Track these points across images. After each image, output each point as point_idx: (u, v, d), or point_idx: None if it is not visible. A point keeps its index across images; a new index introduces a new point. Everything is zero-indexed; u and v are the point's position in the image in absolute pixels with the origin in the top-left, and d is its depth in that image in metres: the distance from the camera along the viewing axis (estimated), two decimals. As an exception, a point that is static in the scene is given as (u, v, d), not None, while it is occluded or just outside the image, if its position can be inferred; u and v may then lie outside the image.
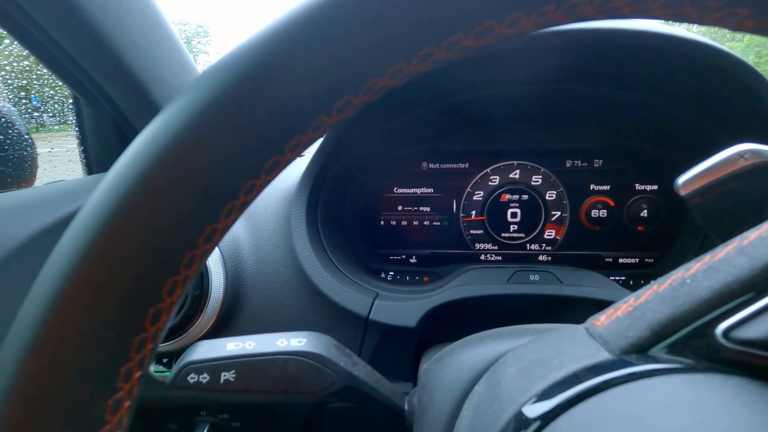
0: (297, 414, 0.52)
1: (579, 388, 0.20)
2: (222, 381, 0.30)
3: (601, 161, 0.57)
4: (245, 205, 0.15)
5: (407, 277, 0.61)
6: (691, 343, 0.19)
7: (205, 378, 0.29)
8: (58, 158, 0.85)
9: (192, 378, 0.29)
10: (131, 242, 0.14)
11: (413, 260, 0.63)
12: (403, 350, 0.49)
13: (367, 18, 0.13)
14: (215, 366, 0.30)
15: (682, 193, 0.28)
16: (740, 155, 0.27)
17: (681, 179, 0.28)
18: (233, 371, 0.30)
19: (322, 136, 0.15)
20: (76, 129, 0.62)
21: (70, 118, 0.62)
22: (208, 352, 0.30)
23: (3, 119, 0.60)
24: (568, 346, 0.24)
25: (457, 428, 0.27)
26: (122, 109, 0.55)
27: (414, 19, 0.13)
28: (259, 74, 0.13)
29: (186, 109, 0.13)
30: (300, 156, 0.13)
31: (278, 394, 0.31)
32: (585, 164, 0.58)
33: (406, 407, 0.39)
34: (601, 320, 0.24)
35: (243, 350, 0.31)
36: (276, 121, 0.14)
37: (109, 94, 0.51)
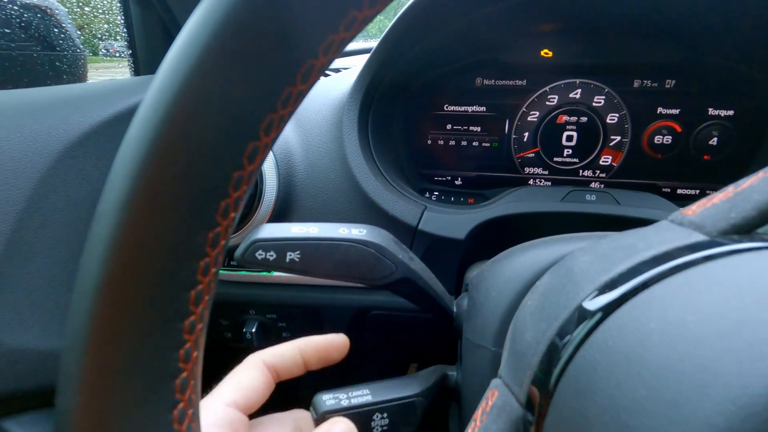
0: (341, 319, 0.54)
1: (674, 263, 0.19)
2: (288, 260, 0.30)
3: (673, 82, 0.53)
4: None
5: (452, 198, 0.60)
6: None
7: (272, 255, 0.30)
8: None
9: (260, 255, 0.30)
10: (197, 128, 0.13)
11: (458, 182, 0.62)
12: (448, 264, 0.50)
13: None
14: (281, 245, 0.30)
15: None
16: None
17: None
18: (298, 252, 0.31)
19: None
20: (124, 31, 0.61)
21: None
22: (274, 232, 0.31)
23: (52, 18, 0.59)
24: (653, 234, 0.23)
25: (516, 319, 0.27)
26: (171, 8, 0.53)
27: None
28: None
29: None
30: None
31: (339, 277, 0.32)
32: (655, 84, 0.53)
33: (454, 310, 0.40)
34: (692, 209, 0.23)
35: (307, 234, 0.31)
36: None
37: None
